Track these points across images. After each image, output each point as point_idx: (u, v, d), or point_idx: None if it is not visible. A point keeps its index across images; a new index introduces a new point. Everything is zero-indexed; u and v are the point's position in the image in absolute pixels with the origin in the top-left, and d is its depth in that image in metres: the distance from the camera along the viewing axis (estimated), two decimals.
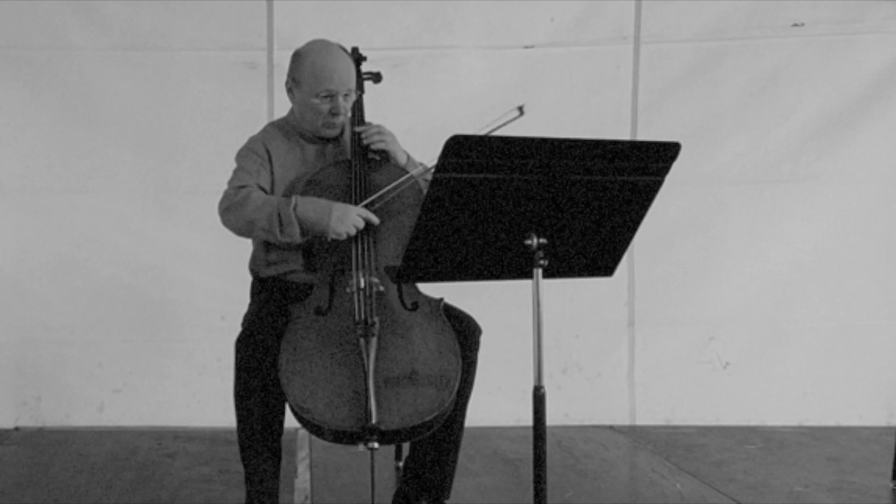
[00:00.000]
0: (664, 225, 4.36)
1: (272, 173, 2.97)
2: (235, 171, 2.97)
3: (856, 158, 4.44)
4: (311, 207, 2.78)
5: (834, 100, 4.44)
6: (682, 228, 4.47)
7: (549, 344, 4.35)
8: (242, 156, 3.00)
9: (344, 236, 2.78)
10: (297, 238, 2.79)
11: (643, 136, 4.40)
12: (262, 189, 2.92)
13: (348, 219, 2.77)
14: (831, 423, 4.45)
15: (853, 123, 4.43)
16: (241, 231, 2.87)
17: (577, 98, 4.44)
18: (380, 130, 3.00)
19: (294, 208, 2.78)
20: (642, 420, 4.48)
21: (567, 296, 4.37)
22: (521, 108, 2.69)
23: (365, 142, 2.97)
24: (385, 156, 3.00)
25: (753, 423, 4.45)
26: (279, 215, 2.77)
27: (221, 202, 2.88)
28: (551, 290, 4.15)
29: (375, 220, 2.81)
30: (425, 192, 2.34)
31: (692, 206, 4.47)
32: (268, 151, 2.99)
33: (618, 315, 4.52)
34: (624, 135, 4.42)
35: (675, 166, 4.42)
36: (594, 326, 4.49)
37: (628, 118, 4.45)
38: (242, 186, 2.89)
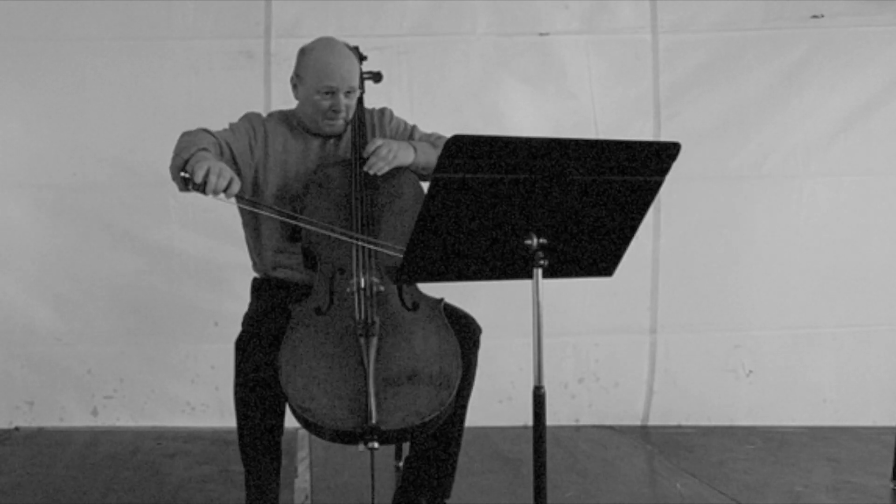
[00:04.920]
0: (688, 226, 4.34)
1: (266, 154, 2.98)
2: None
3: (880, 154, 4.38)
4: (200, 156, 2.70)
5: (858, 93, 4.37)
6: (707, 228, 4.38)
7: (567, 352, 4.35)
8: (237, 121, 3.05)
9: (198, 175, 2.58)
10: (174, 173, 2.72)
11: (667, 128, 4.34)
12: (230, 148, 2.91)
13: (211, 163, 2.62)
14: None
15: (875, 119, 4.37)
16: (172, 160, 2.79)
17: (596, 88, 4.35)
18: (379, 156, 2.89)
19: (197, 150, 2.72)
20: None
21: (587, 302, 4.30)
22: None
23: (372, 172, 2.90)
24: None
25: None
26: (186, 149, 2.73)
27: None
28: (570, 296, 4.20)
29: (215, 186, 2.59)
30: (426, 191, 2.34)
31: (717, 204, 4.38)
32: (265, 131, 3.02)
33: (640, 321, 4.41)
34: (647, 127, 4.35)
35: (701, 163, 4.39)
36: (615, 333, 4.37)
37: (650, 110, 4.36)
38: (206, 130, 2.90)
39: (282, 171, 3.00)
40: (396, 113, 3.21)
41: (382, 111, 3.17)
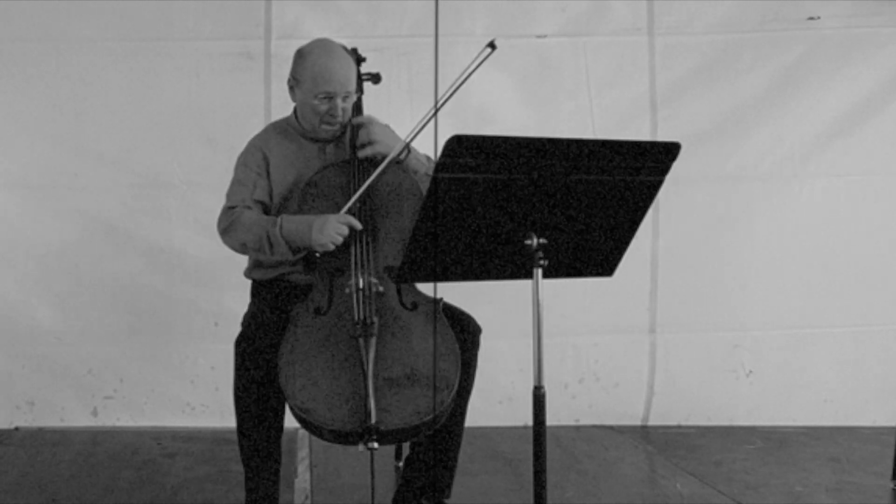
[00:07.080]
0: (688, 226, 4.32)
1: (269, 179, 2.99)
2: (231, 184, 3.01)
3: (878, 154, 4.36)
4: (295, 226, 2.81)
5: (855, 94, 4.35)
6: (706, 229, 4.37)
7: (567, 352, 4.33)
8: (239, 165, 3.04)
9: (331, 247, 2.78)
10: (289, 256, 2.84)
11: (664, 129, 4.32)
12: (260, 202, 2.95)
13: (328, 228, 2.77)
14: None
15: (872, 120, 4.35)
16: (238, 251, 2.95)
17: (594, 90, 4.33)
18: (369, 138, 2.95)
19: (280, 228, 2.81)
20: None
21: (586, 302, 4.28)
22: (492, 44, 2.68)
23: (362, 156, 2.95)
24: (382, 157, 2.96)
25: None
26: (268, 237, 2.82)
27: (219, 223, 2.94)
28: (570, 296, 4.17)
29: (357, 224, 2.80)
30: (426, 191, 2.34)
31: (716, 205, 4.37)
32: (265, 157, 3.00)
33: (639, 321, 4.38)
34: (644, 128, 4.33)
35: (699, 163, 4.36)
36: (614, 334, 4.35)
37: (647, 111, 4.34)
38: (232, 207, 2.93)
39: (284, 179, 3.00)
40: (396, 114, 3.21)
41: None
